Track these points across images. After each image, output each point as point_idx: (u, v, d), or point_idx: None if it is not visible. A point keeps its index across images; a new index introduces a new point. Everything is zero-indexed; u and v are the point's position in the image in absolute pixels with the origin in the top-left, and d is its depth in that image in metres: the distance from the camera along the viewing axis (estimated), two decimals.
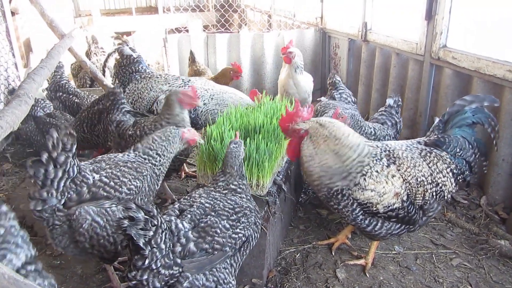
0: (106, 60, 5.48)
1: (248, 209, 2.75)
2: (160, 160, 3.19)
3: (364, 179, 2.91)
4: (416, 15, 5.03)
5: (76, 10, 13.41)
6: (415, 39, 5.14)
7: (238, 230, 2.60)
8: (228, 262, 2.60)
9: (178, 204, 2.68)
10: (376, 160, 2.96)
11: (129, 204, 2.20)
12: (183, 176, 4.95)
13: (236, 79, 5.92)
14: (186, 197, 2.77)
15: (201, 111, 4.49)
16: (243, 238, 2.64)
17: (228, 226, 2.56)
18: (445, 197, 3.08)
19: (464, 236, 3.87)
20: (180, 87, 4.44)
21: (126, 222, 2.14)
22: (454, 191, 3.10)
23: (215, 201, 2.68)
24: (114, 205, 2.88)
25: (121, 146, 3.88)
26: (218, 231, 2.51)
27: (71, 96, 5.35)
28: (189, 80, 4.74)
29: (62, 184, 2.66)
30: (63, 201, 2.70)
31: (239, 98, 4.70)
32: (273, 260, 3.48)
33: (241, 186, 2.85)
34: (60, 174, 2.63)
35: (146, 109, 4.47)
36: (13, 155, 5.65)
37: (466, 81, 4.53)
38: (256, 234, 2.80)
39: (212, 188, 2.83)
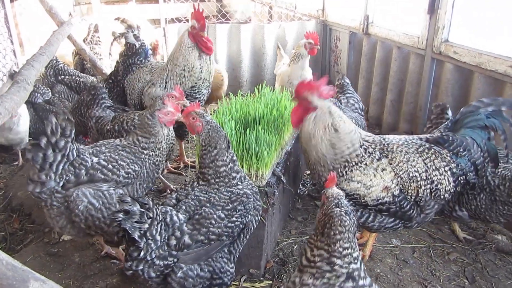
0: (111, 44, 5.44)
1: (245, 195, 2.68)
2: (153, 154, 3.19)
3: (351, 170, 2.91)
4: (418, 9, 5.00)
5: None
6: (417, 33, 5.11)
7: (234, 218, 2.58)
8: (227, 250, 2.61)
9: (176, 193, 2.67)
10: (367, 153, 2.95)
11: (125, 198, 2.23)
12: (182, 166, 4.94)
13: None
14: (183, 186, 2.77)
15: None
16: (241, 226, 2.63)
17: (223, 216, 2.54)
18: (442, 196, 2.99)
19: (461, 230, 3.87)
20: (160, 77, 4.34)
21: (121, 215, 2.17)
22: (452, 190, 3.01)
23: (210, 193, 2.64)
24: (112, 188, 2.92)
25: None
26: (213, 221, 2.50)
27: (74, 77, 5.32)
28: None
29: (60, 167, 2.72)
30: (61, 183, 2.77)
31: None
32: (271, 251, 3.48)
33: (233, 157, 2.72)
34: (59, 158, 2.70)
35: (138, 100, 4.43)
36: None
37: (467, 76, 4.52)
38: (256, 218, 2.76)
39: (206, 181, 2.71)
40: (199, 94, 4.35)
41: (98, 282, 3.16)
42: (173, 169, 4.85)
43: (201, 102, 4.43)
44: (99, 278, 3.20)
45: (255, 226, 2.80)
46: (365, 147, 2.98)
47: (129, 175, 2.99)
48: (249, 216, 2.68)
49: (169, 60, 4.29)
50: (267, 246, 3.31)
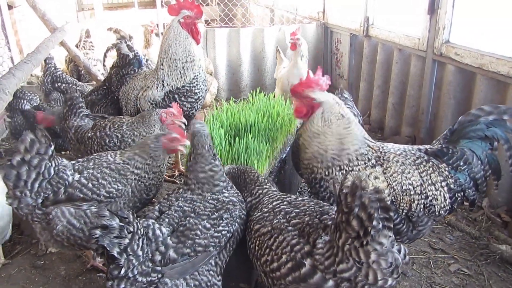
0: (105, 55, 5.38)
1: (231, 203, 2.58)
2: (146, 176, 3.04)
3: (342, 173, 2.77)
4: (419, 9, 4.86)
5: (78, 4, 13.30)
6: (418, 35, 4.97)
7: (221, 228, 2.45)
8: (213, 262, 2.48)
9: (158, 205, 2.55)
10: (363, 158, 2.82)
11: (102, 212, 2.10)
12: (177, 174, 4.84)
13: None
14: (166, 196, 2.64)
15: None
16: (228, 235, 2.50)
17: (209, 225, 2.42)
18: (437, 213, 2.79)
19: (464, 240, 3.71)
20: (155, 78, 4.24)
21: (98, 232, 2.04)
22: (448, 208, 2.80)
23: (194, 203, 2.53)
24: (93, 207, 2.80)
25: (81, 152, 3.76)
26: (199, 232, 2.37)
27: (71, 85, 5.25)
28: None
29: (36, 185, 2.64)
30: (40, 200, 2.69)
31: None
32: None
33: (214, 168, 2.61)
34: (33, 175, 2.61)
35: (134, 109, 4.34)
36: (7, 151, 5.57)
37: (469, 78, 4.36)
38: (242, 227, 2.64)
39: (189, 193, 2.61)
40: (198, 89, 4.22)
41: None
42: (167, 177, 4.75)
43: (200, 101, 4.33)
44: None
45: (241, 235, 2.66)
46: (365, 151, 2.85)
47: (111, 194, 2.85)
48: (236, 225, 2.56)
49: (164, 59, 4.15)
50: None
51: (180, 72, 4.10)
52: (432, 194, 2.76)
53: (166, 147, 3.04)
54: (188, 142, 2.96)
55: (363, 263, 1.92)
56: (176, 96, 4.12)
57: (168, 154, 3.15)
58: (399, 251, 1.97)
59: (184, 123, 3.62)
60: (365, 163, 2.81)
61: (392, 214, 1.87)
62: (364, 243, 1.85)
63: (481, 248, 3.58)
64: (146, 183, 3.04)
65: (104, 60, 5.28)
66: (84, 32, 7.06)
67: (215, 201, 2.55)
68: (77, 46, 6.70)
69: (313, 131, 2.85)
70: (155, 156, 3.03)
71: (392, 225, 1.89)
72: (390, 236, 1.89)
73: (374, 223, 1.81)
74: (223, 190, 2.62)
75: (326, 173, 2.84)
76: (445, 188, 2.77)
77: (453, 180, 2.78)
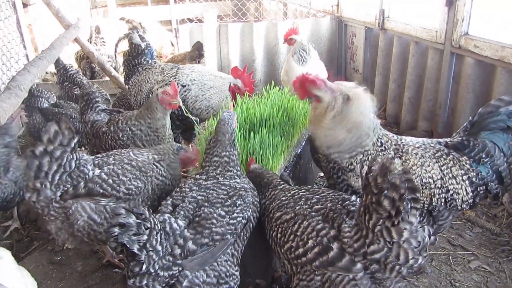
0: (116, 46, 5.41)
1: (243, 189, 2.60)
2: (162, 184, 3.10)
3: (362, 165, 2.72)
4: (436, 1, 4.76)
5: (92, 2, 13.35)
6: (435, 27, 4.86)
7: (235, 214, 2.46)
8: (230, 252, 2.48)
9: (171, 199, 2.55)
10: (381, 150, 2.75)
11: (118, 210, 2.09)
12: (191, 169, 4.82)
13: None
14: (177, 189, 2.64)
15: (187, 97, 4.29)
16: (243, 221, 2.50)
17: (223, 213, 2.42)
18: (459, 207, 2.73)
19: (484, 236, 3.63)
20: (173, 76, 4.24)
21: (116, 230, 2.03)
22: (470, 202, 2.73)
23: (207, 191, 2.54)
24: (111, 203, 2.79)
25: (96, 147, 3.78)
26: (215, 221, 2.37)
27: (74, 87, 5.27)
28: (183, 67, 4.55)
29: (57, 177, 2.63)
30: (59, 193, 2.68)
31: (220, 79, 4.38)
32: (278, 260, 3.31)
33: (231, 156, 2.69)
34: (55, 167, 2.60)
35: (145, 102, 4.34)
36: (23, 148, 5.63)
37: (489, 71, 4.25)
38: (255, 214, 2.65)
39: (202, 176, 2.68)
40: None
41: None
42: (183, 173, 4.74)
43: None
44: None
45: (254, 224, 2.66)
46: (382, 141, 2.78)
47: (130, 191, 2.83)
48: (250, 211, 2.56)
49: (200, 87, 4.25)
50: (274, 254, 3.14)
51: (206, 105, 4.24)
52: (454, 188, 2.69)
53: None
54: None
55: (393, 243, 1.97)
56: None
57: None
58: (424, 230, 2.03)
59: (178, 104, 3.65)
60: (383, 155, 2.75)
61: (419, 195, 1.93)
62: (396, 223, 1.90)
63: (502, 244, 3.50)
64: (166, 184, 3.07)
65: (115, 51, 5.29)
66: (94, 28, 7.07)
67: (227, 187, 2.58)
68: (88, 42, 6.73)
69: (325, 127, 2.77)
70: (173, 168, 3.13)
71: (419, 205, 1.95)
72: (418, 216, 1.95)
73: (405, 203, 1.86)
74: (235, 177, 2.68)
75: (346, 163, 2.79)
76: (467, 182, 2.70)
77: (475, 174, 2.70)
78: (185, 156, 3.29)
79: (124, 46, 4.87)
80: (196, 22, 7.61)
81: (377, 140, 2.77)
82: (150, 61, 4.53)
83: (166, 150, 3.18)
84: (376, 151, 2.75)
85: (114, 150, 3.13)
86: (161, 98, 3.42)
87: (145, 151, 3.12)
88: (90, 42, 6.85)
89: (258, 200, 2.75)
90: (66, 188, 2.68)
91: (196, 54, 6.88)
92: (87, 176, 2.74)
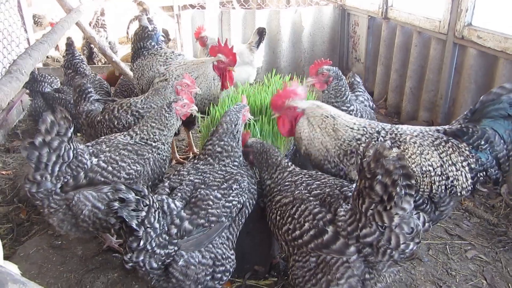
0: (128, 27, 5.40)
1: (239, 174, 2.65)
2: (163, 148, 3.11)
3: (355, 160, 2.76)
4: None
5: None
6: (438, 17, 4.84)
7: (231, 198, 2.51)
8: (224, 235, 2.52)
9: (168, 181, 2.58)
10: (376, 141, 2.77)
11: (119, 186, 2.11)
12: (191, 157, 4.84)
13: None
14: (175, 173, 2.68)
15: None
16: (238, 205, 2.56)
17: (219, 195, 2.47)
18: (459, 193, 2.74)
19: (481, 226, 3.66)
20: (176, 69, 4.22)
21: (116, 204, 2.07)
22: (470, 188, 2.75)
23: (204, 174, 2.59)
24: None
25: (92, 136, 3.77)
26: (211, 202, 2.42)
27: (76, 76, 5.26)
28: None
29: (56, 168, 2.61)
30: (59, 185, 2.67)
31: (201, 64, 4.21)
32: (276, 247, 3.35)
33: (226, 147, 2.74)
34: (54, 158, 2.58)
35: (146, 87, 4.33)
36: (24, 132, 5.64)
37: (491, 62, 4.24)
38: (252, 201, 2.70)
39: (200, 160, 2.75)
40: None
41: (99, 277, 3.09)
42: (182, 160, 4.76)
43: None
44: (100, 272, 3.14)
45: (250, 210, 2.70)
46: (369, 133, 2.83)
47: (131, 175, 2.86)
48: (245, 196, 2.62)
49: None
50: (273, 241, 3.18)
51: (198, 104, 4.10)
52: (453, 174, 2.71)
53: (178, 114, 3.16)
54: (195, 107, 3.25)
55: (385, 228, 1.99)
56: None
57: (180, 120, 3.24)
58: (419, 218, 2.05)
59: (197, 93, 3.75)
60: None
61: (413, 181, 1.93)
62: (388, 207, 1.92)
63: (499, 235, 3.53)
64: (163, 156, 3.10)
65: (127, 33, 5.30)
66: (99, 10, 7.02)
67: (224, 172, 2.64)
68: (90, 24, 6.69)
69: (303, 138, 2.93)
70: (170, 125, 3.12)
71: (413, 192, 1.95)
72: (412, 203, 1.96)
73: (398, 189, 1.87)
74: (231, 165, 2.73)
75: (340, 167, 2.85)
76: (466, 168, 2.72)
77: (474, 160, 2.72)
78: (180, 105, 3.16)
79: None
80: (198, 9, 7.55)
81: (362, 136, 2.81)
82: (156, 45, 4.52)
83: (159, 115, 3.12)
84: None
85: (102, 137, 3.10)
86: (179, 90, 3.55)
87: (139, 129, 3.11)
88: (91, 24, 6.80)
89: (256, 188, 2.78)
90: (66, 180, 2.67)
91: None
92: (85, 166, 2.74)
